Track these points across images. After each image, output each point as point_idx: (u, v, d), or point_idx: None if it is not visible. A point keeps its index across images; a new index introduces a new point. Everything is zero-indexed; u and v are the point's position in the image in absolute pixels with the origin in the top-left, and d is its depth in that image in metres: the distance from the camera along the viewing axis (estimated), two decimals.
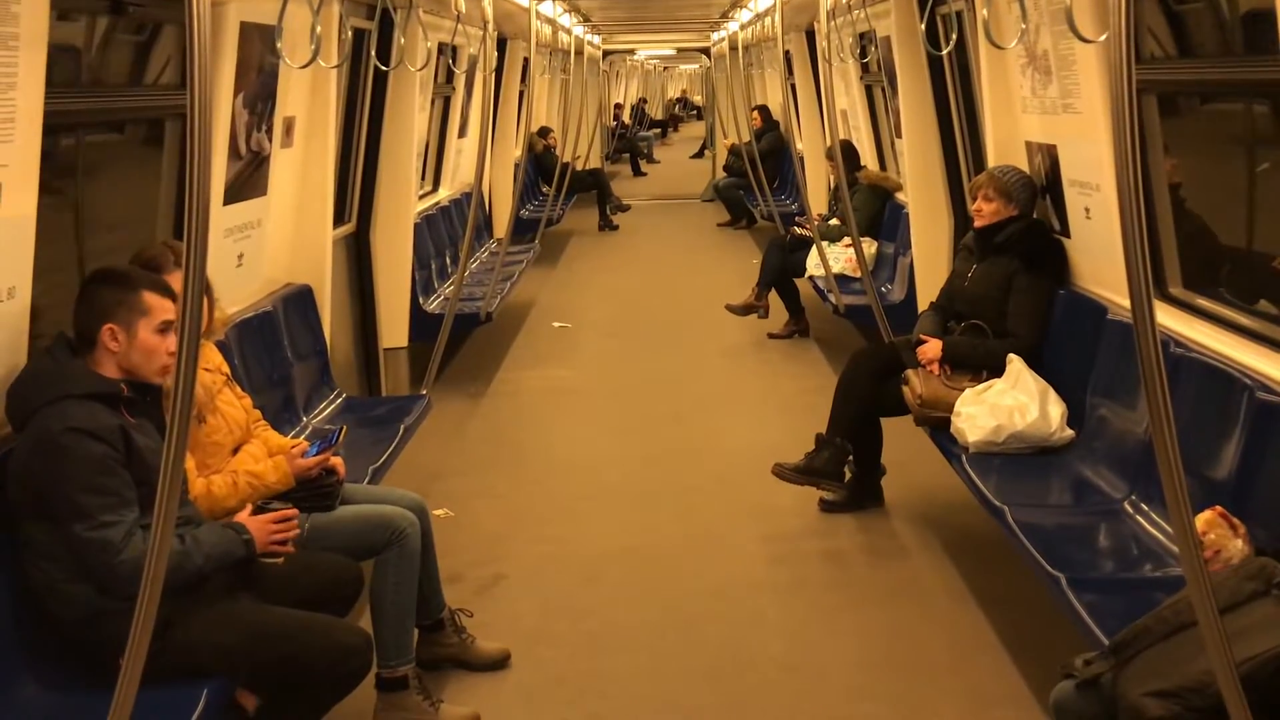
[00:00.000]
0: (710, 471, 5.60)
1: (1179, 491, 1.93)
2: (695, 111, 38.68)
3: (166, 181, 4.19)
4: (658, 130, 28.72)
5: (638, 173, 21.35)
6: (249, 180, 4.51)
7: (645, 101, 29.44)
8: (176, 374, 1.96)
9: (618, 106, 24.67)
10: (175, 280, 2.92)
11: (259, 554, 2.97)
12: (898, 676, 3.70)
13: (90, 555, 2.66)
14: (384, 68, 5.45)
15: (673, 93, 37.88)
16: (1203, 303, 3.86)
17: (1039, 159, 4.82)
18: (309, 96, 5.05)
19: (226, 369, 3.56)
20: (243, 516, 3.02)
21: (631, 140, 23.02)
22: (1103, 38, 2.00)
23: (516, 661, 3.78)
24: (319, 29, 3.73)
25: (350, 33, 5.21)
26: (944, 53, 5.34)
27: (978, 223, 4.73)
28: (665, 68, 33.68)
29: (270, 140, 4.63)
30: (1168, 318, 3.83)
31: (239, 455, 3.35)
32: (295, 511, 3.08)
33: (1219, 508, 2.64)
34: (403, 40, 5.47)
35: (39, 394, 2.74)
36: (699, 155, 24.30)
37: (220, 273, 3.52)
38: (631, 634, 4.00)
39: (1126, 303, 1.95)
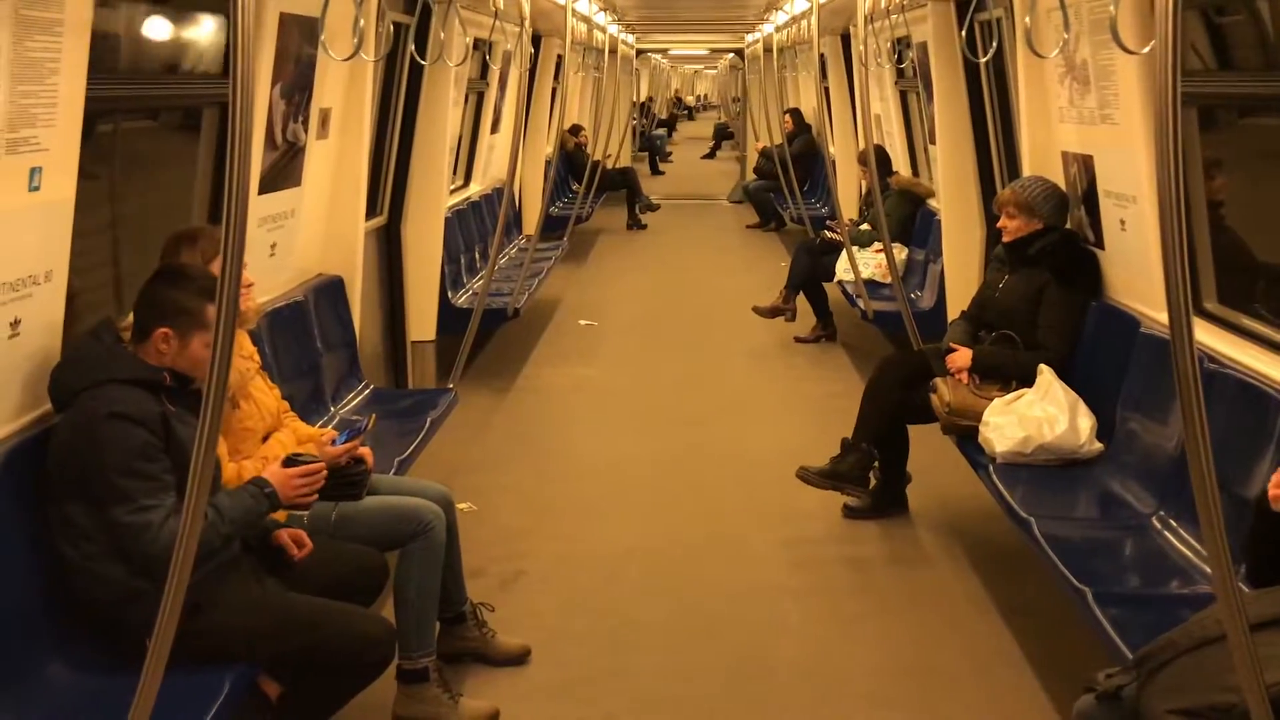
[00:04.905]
0: (733, 474, 5.60)
1: (1213, 509, 1.91)
2: (687, 111, 38.03)
3: (202, 170, 4.22)
4: (664, 129, 28.16)
5: (655, 172, 21.08)
6: (284, 170, 4.54)
7: (653, 100, 28.35)
8: (211, 359, 1.97)
9: (634, 104, 24.40)
10: (216, 266, 2.93)
11: (286, 505, 2.92)
12: (917, 685, 3.68)
13: (129, 538, 2.68)
14: (422, 61, 5.47)
15: (671, 92, 36.87)
16: (1237, 318, 3.82)
17: (1075, 169, 4.79)
18: (345, 88, 5.08)
19: (258, 358, 3.59)
20: (271, 470, 2.95)
21: (651, 139, 22.76)
22: (1147, 49, 1.99)
23: (536, 657, 3.78)
24: (362, 22, 3.74)
25: (390, 26, 5.23)
26: (983, 60, 5.32)
27: (1005, 238, 4.71)
28: (672, 66, 32.91)
29: (306, 131, 4.66)
30: (1202, 333, 3.78)
31: (269, 442, 3.37)
32: (322, 466, 3.00)
33: None
34: (441, 35, 5.49)
35: (82, 376, 2.76)
36: (710, 156, 24.15)
37: (253, 262, 3.54)
38: (651, 634, 4.00)
39: (1160, 316, 1.94)
